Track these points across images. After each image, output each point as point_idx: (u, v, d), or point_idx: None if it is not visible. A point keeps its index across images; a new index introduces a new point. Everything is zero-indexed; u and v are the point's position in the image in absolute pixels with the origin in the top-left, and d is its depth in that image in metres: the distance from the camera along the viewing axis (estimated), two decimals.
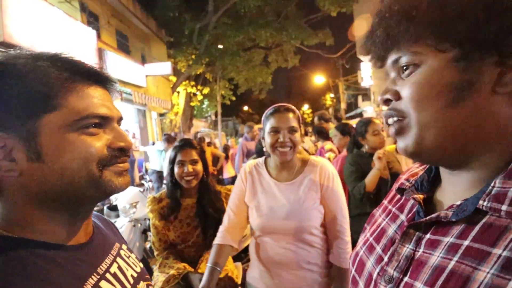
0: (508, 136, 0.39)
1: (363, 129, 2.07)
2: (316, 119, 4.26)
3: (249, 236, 2.17)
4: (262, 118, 1.31)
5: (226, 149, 6.35)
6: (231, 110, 25.28)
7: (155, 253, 1.61)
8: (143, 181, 5.36)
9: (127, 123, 9.98)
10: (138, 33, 11.20)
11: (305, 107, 36.71)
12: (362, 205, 2.00)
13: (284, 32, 12.11)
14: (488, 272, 0.33)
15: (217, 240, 1.29)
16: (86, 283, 0.48)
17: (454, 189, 0.45)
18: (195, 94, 14.22)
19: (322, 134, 3.58)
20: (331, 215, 1.23)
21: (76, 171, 0.47)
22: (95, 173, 0.49)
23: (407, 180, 0.55)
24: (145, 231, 2.69)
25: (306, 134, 5.53)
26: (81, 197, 0.50)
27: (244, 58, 12.84)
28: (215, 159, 5.67)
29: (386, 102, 0.46)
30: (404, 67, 0.44)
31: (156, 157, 6.44)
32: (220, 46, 12.28)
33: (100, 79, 0.53)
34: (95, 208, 0.66)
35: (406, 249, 0.44)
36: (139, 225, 2.66)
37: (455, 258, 0.37)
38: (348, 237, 1.23)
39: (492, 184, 0.38)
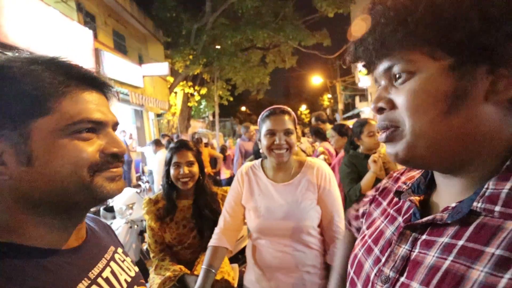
0: (500, 141, 0.40)
1: (359, 130, 2.08)
2: (313, 119, 4.27)
3: (246, 237, 2.17)
4: (258, 120, 1.32)
5: (223, 149, 6.34)
6: (229, 110, 25.28)
7: (151, 255, 1.60)
8: (140, 182, 5.32)
9: (124, 124, 9.95)
10: (135, 33, 11.16)
11: (303, 108, 36.78)
12: None
13: (282, 33, 12.11)
14: (481, 271, 0.34)
15: (212, 242, 1.29)
16: None
17: (449, 191, 0.46)
18: (192, 95, 14.19)
19: (319, 135, 3.59)
20: (328, 216, 1.23)
21: (66, 176, 0.47)
22: (85, 178, 0.48)
23: (405, 183, 0.56)
24: (141, 233, 2.68)
25: (303, 135, 5.54)
26: (71, 202, 0.49)
27: (241, 59, 12.82)
28: (213, 160, 5.64)
29: (380, 111, 0.46)
30: (397, 75, 0.43)
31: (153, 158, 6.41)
32: (218, 47, 12.26)
33: (96, 83, 0.53)
34: (92, 210, 0.65)
35: (402, 250, 0.45)
36: (136, 226, 2.65)
37: (450, 258, 0.38)
38: None
39: (485, 186, 0.39)
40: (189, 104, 14.30)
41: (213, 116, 15.39)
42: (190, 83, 13.46)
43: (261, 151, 1.29)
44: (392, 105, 0.44)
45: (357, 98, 22.80)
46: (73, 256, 0.51)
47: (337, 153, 3.07)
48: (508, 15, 0.36)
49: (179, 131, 12.47)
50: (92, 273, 0.52)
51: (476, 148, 0.40)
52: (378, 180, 1.93)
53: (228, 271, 1.58)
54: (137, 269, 0.66)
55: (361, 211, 0.75)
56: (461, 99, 0.39)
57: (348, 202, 2.09)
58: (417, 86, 0.41)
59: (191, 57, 11.63)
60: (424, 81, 0.40)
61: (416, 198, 0.49)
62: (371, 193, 0.72)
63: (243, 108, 35.65)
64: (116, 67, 8.21)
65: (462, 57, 0.38)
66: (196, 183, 1.60)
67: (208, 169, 5.29)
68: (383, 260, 0.48)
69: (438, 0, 0.38)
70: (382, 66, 0.45)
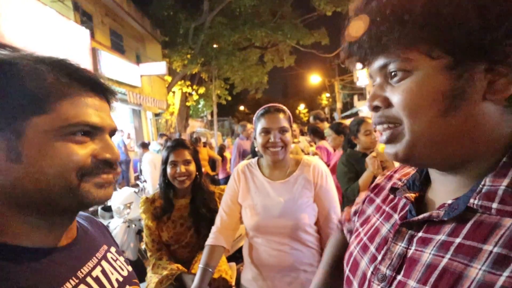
0: (498, 139, 0.40)
1: (356, 129, 2.08)
2: (311, 118, 4.28)
3: (243, 236, 2.17)
4: (254, 119, 1.32)
5: (221, 149, 6.33)
6: (227, 110, 25.24)
7: (148, 254, 1.60)
8: (138, 182, 5.29)
9: (122, 124, 9.92)
10: (132, 32, 11.12)
11: (301, 107, 36.83)
12: None
13: (280, 32, 12.09)
14: (480, 269, 0.34)
15: (209, 241, 1.29)
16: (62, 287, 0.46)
17: (445, 188, 0.45)
18: (190, 94, 14.17)
19: (317, 134, 3.60)
20: (325, 214, 1.24)
21: (53, 177, 0.46)
22: (72, 182, 0.47)
23: (400, 179, 0.56)
24: (139, 232, 2.67)
25: (302, 133, 5.53)
26: (56, 205, 0.48)
27: (239, 58, 12.79)
28: (212, 161, 5.59)
29: (375, 109, 0.46)
30: (393, 73, 0.43)
31: None
32: (216, 46, 12.23)
33: (100, 88, 0.52)
34: (90, 209, 0.65)
35: (399, 247, 0.45)
36: (134, 225, 2.64)
37: (448, 256, 0.38)
38: None
39: (482, 183, 0.39)
40: (187, 103, 14.28)
41: (211, 115, 15.38)
42: (188, 83, 13.43)
43: (256, 149, 1.29)
44: (388, 104, 0.44)
45: (355, 97, 22.81)
46: (61, 255, 0.50)
47: (334, 152, 3.07)
48: (507, 14, 0.35)
49: (177, 131, 12.44)
50: (81, 272, 0.51)
51: (475, 146, 0.40)
52: (375, 179, 1.93)
53: (226, 269, 1.58)
54: (130, 268, 0.65)
55: (353, 209, 0.75)
56: (459, 98, 0.38)
57: (345, 201, 2.09)
58: (414, 85, 0.40)
59: (189, 56, 11.62)
60: (421, 81, 0.40)
61: (411, 195, 0.49)
62: (365, 193, 0.72)
63: (242, 107, 35.67)
64: (113, 66, 8.18)
65: (460, 56, 0.38)
66: (193, 182, 1.60)
67: (207, 169, 5.26)
68: (380, 258, 0.47)
69: None
70: (377, 63, 0.44)
